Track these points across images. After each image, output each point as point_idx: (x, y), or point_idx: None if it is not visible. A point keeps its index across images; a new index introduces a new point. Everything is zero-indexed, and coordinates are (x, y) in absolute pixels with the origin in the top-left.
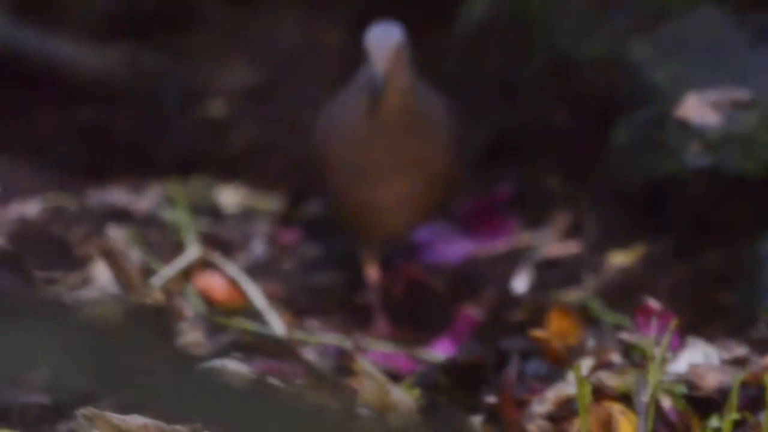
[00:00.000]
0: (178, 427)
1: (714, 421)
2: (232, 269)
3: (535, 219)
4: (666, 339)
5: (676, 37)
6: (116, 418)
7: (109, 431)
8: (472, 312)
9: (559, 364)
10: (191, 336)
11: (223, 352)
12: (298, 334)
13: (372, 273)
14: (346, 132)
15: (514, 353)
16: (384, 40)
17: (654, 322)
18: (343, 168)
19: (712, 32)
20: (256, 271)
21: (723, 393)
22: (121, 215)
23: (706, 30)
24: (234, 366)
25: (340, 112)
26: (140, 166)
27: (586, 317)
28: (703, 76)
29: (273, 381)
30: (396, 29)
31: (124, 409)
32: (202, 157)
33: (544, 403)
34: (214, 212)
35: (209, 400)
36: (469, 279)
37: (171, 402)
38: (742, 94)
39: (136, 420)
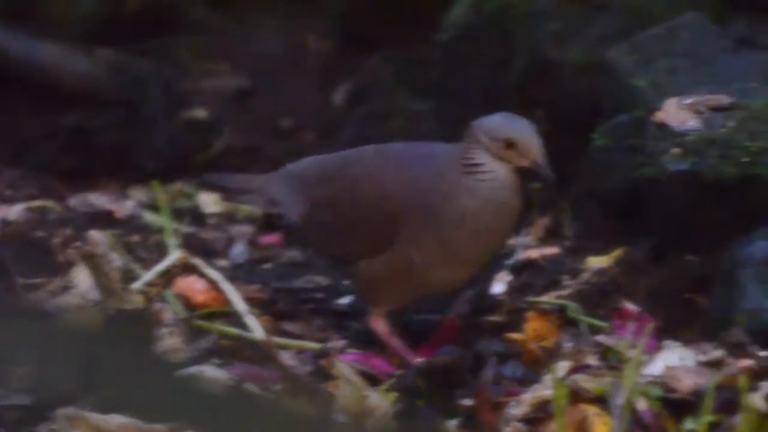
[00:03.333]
0: (157, 426)
1: (689, 423)
2: (213, 273)
3: None
4: (642, 342)
5: (658, 43)
6: (96, 417)
7: (89, 431)
8: (454, 319)
9: (535, 366)
10: (170, 341)
11: (202, 358)
12: (277, 339)
13: (381, 326)
14: (453, 223)
15: (491, 356)
16: (534, 133)
17: (631, 325)
18: (433, 252)
19: (694, 38)
20: (236, 274)
21: (698, 395)
22: (104, 219)
23: (688, 36)
24: (212, 372)
25: (441, 199)
26: (124, 170)
27: (564, 320)
28: (684, 81)
29: (250, 387)
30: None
31: (104, 410)
32: (186, 161)
33: (520, 406)
34: (196, 216)
35: (187, 404)
36: None
37: (150, 405)
38: (723, 98)
39: (115, 419)
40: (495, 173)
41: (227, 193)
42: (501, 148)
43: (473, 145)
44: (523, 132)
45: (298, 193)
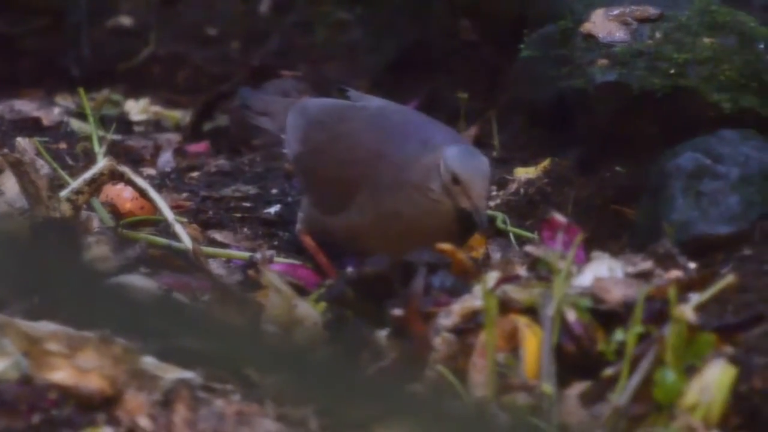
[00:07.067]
0: (86, 333)
1: (619, 334)
2: (141, 181)
3: None
4: (571, 253)
5: None
6: (25, 324)
7: (18, 338)
8: None
9: (465, 277)
10: (98, 250)
11: (130, 267)
12: (205, 248)
13: (309, 239)
14: (390, 215)
15: (421, 266)
16: (483, 177)
17: (560, 236)
18: (368, 227)
19: None
20: (164, 183)
21: (628, 306)
22: (31, 126)
23: None
24: (140, 281)
25: (391, 187)
26: (49, 78)
27: (493, 230)
28: None
29: (179, 296)
30: (485, 158)
31: (33, 317)
32: (112, 69)
33: (450, 316)
34: (123, 124)
35: (117, 313)
36: None
37: (79, 313)
38: (650, 9)
39: (45, 327)
40: (438, 203)
41: (249, 112)
42: (449, 181)
43: (437, 169)
44: (472, 173)
45: (300, 130)
